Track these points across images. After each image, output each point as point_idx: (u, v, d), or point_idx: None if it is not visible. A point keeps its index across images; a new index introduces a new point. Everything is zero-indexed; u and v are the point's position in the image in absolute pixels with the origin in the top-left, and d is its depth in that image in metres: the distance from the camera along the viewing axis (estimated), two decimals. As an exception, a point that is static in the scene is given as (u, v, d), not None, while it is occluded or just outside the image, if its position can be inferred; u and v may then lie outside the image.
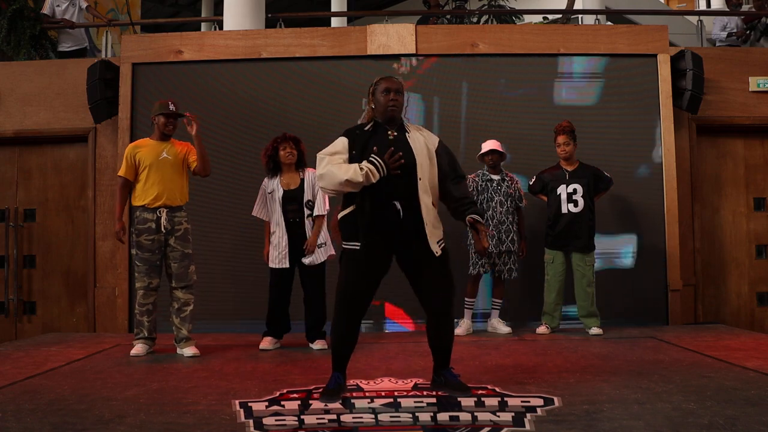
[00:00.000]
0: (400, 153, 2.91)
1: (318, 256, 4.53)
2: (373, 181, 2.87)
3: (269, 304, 4.63)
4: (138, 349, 4.36)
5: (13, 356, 4.28)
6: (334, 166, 2.91)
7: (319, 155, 3.00)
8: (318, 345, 4.56)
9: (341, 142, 3.03)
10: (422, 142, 3.05)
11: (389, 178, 2.90)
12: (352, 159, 2.96)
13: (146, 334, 4.41)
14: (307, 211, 4.53)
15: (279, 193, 4.55)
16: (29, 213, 6.17)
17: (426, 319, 3.07)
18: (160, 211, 4.33)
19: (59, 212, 6.15)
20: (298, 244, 4.52)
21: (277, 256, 4.53)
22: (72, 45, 6.65)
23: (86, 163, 6.02)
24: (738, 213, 6.13)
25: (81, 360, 4.12)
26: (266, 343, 4.58)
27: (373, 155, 2.91)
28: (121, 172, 4.40)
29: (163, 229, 4.33)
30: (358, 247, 2.92)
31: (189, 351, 4.31)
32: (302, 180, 4.58)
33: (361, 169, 2.87)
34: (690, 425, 2.46)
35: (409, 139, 3.02)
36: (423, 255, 2.96)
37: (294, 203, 4.55)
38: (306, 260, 4.50)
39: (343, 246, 3.00)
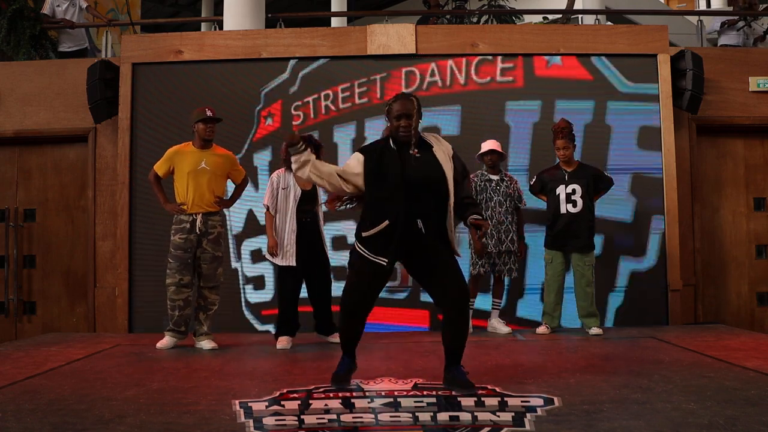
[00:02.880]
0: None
1: None
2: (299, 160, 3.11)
3: (280, 303, 4.66)
4: (164, 341, 4.54)
5: (13, 356, 4.28)
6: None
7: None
8: (336, 339, 4.57)
9: (355, 158, 3.13)
10: (443, 154, 3.12)
11: (418, 195, 2.99)
12: (368, 175, 3.05)
13: (174, 327, 4.56)
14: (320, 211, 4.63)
15: (296, 192, 4.54)
16: (29, 213, 6.17)
17: (442, 318, 3.13)
18: (195, 215, 4.51)
19: (59, 212, 6.15)
20: (307, 243, 4.54)
21: (285, 253, 4.52)
22: (72, 45, 6.66)
23: (86, 163, 6.02)
24: (738, 213, 6.13)
25: (81, 360, 4.12)
26: (283, 342, 4.56)
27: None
28: (156, 166, 4.63)
29: (197, 230, 4.50)
30: (383, 262, 3.03)
31: (208, 344, 4.50)
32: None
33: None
34: (690, 425, 2.45)
35: (435, 154, 3.09)
36: (438, 257, 3.04)
37: (308, 204, 4.58)
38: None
39: (359, 250, 3.09)
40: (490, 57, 5.79)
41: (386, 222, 2.99)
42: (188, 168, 4.51)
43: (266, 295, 5.68)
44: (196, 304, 4.61)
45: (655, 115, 5.71)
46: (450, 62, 5.79)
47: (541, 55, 5.80)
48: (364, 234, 3.06)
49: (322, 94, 5.83)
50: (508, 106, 5.75)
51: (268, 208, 4.62)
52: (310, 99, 5.84)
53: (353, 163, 3.12)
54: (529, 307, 5.58)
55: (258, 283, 5.73)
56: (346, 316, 3.16)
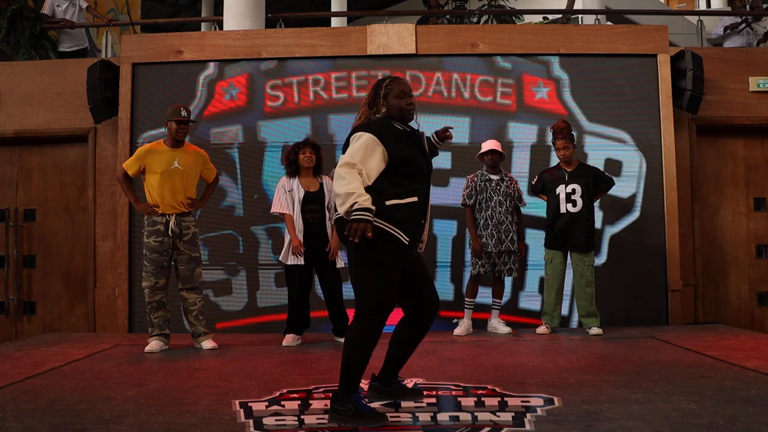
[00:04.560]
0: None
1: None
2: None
3: (289, 302, 4.71)
4: (152, 345, 4.46)
5: (13, 356, 4.28)
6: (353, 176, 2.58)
7: (345, 160, 2.61)
8: None
9: (373, 142, 2.64)
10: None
11: (427, 181, 2.81)
12: (390, 155, 2.66)
13: (158, 331, 4.50)
14: (329, 214, 4.63)
15: (300, 194, 4.62)
16: (29, 213, 6.17)
17: (409, 321, 2.87)
18: (169, 216, 4.44)
19: (59, 212, 6.15)
20: (316, 244, 4.58)
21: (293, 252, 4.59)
22: (72, 45, 6.66)
23: (86, 163, 6.02)
24: (738, 213, 6.13)
25: (81, 360, 4.12)
26: (289, 339, 4.66)
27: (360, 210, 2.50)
28: (126, 165, 4.52)
29: (170, 232, 4.43)
30: (405, 241, 2.64)
31: (207, 344, 4.48)
32: (321, 184, 4.69)
33: (355, 203, 2.49)
34: (690, 425, 2.46)
35: (426, 145, 2.95)
36: (420, 261, 2.90)
37: (314, 204, 4.63)
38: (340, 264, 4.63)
39: (390, 231, 2.61)
40: (490, 79, 5.79)
41: (415, 198, 2.68)
42: (161, 167, 4.43)
43: (236, 303, 5.55)
44: (182, 308, 4.58)
45: (616, 151, 5.70)
46: (455, 75, 5.77)
47: (543, 56, 5.79)
48: (388, 203, 2.62)
49: (311, 78, 5.79)
50: (509, 125, 5.75)
51: (283, 213, 4.67)
52: (294, 80, 5.79)
53: (371, 150, 2.64)
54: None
55: (222, 288, 5.62)
56: (373, 324, 2.62)
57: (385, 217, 2.60)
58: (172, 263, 4.52)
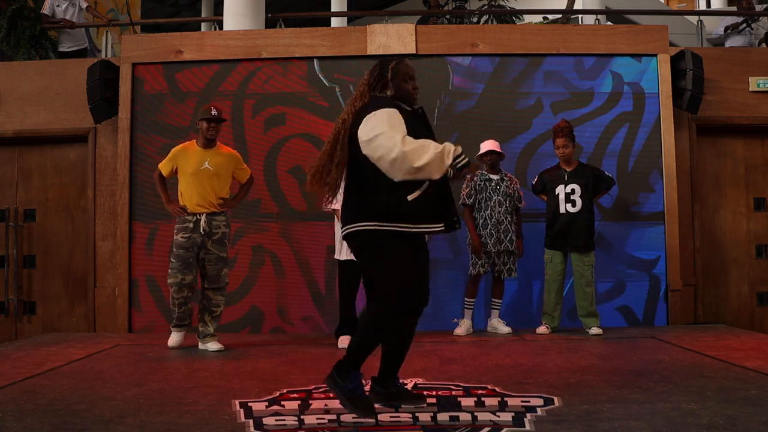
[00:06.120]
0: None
1: None
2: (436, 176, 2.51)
3: (341, 301, 4.59)
4: (174, 339, 4.56)
5: (13, 356, 4.28)
6: (414, 146, 2.49)
7: (380, 132, 2.52)
8: (344, 343, 4.55)
9: (397, 117, 2.58)
10: None
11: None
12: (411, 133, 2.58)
13: (178, 323, 4.56)
14: None
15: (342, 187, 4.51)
16: (29, 213, 6.17)
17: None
18: (199, 215, 4.47)
19: (59, 212, 6.15)
20: None
21: (346, 248, 4.36)
22: (72, 45, 6.66)
23: (86, 163, 6.02)
24: (738, 213, 6.13)
25: (81, 360, 4.12)
26: (345, 342, 4.39)
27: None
28: (161, 165, 4.62)
29: (201, 230, 4.46)
30: (439, 227, 2.69)
31: (214, 346, 4.49)
32: None
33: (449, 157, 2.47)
34: (690, 425, 2.46)
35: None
36: (426, 251, 2.87)
37: None
38: None
39: (394, 228, 2.60)
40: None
41: (427, 182, 2.57)
42: (191, 168, 4.48)
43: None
44: (200, 306, 4.57)
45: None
46: None
47: (542, 56, 5.80)
48: (410, 197, 2.57)
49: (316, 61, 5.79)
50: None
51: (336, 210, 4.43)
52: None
53: (399, 122, 2.57)
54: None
55: None
56: (386, 311, 2.59)
57: (398, 217, 2.60)
58: (200, 262, 4.51)
